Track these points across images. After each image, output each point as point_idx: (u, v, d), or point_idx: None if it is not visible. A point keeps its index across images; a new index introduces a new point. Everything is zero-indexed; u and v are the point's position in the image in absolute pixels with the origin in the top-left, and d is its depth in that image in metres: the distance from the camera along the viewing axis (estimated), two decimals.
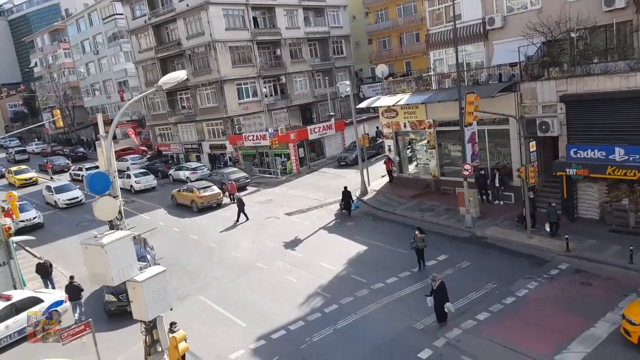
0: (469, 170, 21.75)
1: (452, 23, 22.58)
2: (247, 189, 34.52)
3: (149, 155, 50.39)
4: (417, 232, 17.61)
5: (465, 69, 26.03)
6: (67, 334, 10.99)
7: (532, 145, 19.74)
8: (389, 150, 30.54)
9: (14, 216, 21.12)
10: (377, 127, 31.51)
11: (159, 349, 9.32)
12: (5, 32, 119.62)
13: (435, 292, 13.99)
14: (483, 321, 14.27)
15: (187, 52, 42.31)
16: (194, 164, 41.27)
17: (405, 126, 28.88)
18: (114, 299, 16.94)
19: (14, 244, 20.05)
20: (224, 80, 40.18)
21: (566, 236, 18.13)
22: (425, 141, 28.23)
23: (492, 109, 21.21)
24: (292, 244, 22.46)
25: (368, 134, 32.60)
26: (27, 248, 24.93)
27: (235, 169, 37.38)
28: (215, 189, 31.07)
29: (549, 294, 15.45)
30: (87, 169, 42.04)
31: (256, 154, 40.32)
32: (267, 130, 38.39)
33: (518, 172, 20.19)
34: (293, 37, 45.48)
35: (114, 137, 9.78)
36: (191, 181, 36.14)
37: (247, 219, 26.73)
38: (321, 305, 16.33)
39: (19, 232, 23.62)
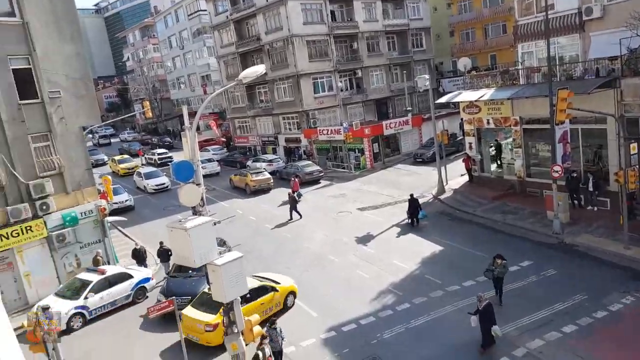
0: (559, 172, 20.22)
1: (544, 13, 21.06)
2: (320, 183, 34.83)
3: (229, 147, 52.57)
4: (497, 259, 15.14)
5: (557, 62, 24.30)
6: (153, 308, 11.79)
7: (633, 148, 17.98)
8: (470, 147, 29.29)
9: (108, 198, 22.95)
10: (462, 120, 29.69)
11: (235, 330, 9.65)
12: (101, 29, 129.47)
13: (480, 314, 12.92)
14: (569, 334, 13.34)
15: (266, 46, 43.34)
16: (270, 156, 42.33)
17: (488, 123, 27.56)
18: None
19: (108, 224, 21.76)
20: (301, 74, 40.73)
21: None
22: (511, 139, 26.76)
23: (587, 106, 19.63)
24: (364, 239, 22.35)
25: (447, 130, 31.50)
26: (120, 228, 26.83)
27: (309, 162, 37.84)
28: (266, 174, 34.96)
29: None
30: (158, 154, 49.37)
31: (330, 148, 40.54)
32: (341, 124, 38.46)
33: (616, 176, 18.42)
34: (371, 30, 45.05)
35: (197, 129, 10.26)
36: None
37: (299, 217, 26.49)
38: (393, 303, 16.11)
39: (112, 213, 25.47)
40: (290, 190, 28.18)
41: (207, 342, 14.13)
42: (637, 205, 19.99)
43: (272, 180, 34.53)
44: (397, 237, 22.45)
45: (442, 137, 29.84)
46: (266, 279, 16.91)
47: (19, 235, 18.31)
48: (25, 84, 18.57)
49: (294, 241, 23.22)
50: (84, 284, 17.54)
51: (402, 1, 47.51)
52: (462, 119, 30.06)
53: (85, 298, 17.08)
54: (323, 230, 24.41)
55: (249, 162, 42.35)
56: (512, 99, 24.68)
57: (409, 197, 23.79)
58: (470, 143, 29.16)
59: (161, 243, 20.77)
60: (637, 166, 18.00)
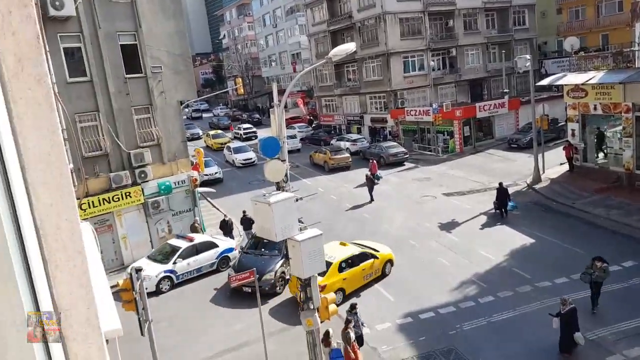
0: None
1: None
2: (404, 165, 34.21)
3: (314, 125, 53.26)
4: (596, 262, 13.54)
5: None
6: (235, 277, 12.40)
7: None
8: (572, 135, 27.06)
9: (200, 170, 24.31)
10: (567, 104, 27.23)
11: (311, 307, 9.85)
12: (201, 7, 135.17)
13: (562, 318, 11.98)
14: None
15: (357, 24, 42.85)
16: (354, 136, 42.25)
17: (595, 109, 25.19)
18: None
19: (198, 194, 23.01)
20: (391, 52, 39.87)
21: None
22: (620, 127, 24.33)
23: None
24: (448, 226, 21.68)
25: (547, 115, 29.25)
26: (208, 199, 28.34)
27: (394, 143, 37.20)
28: (345, 153, 35.81)
29: None
30: (244, 129, 52.76)
31: (417, 130, 39.53)
32: (431, 105, 37.26)
33: None
34: (468, 7, 42.81)
35: (285, 106, 10.46)
36: (351, 152, 37.94)
37: (372, 200, 26.11)
38: (475, 295, 15.53)
39: (202, 184, 26.64)
40: (368, 172, 28.00)
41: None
42: None
43: (350, 159, 35.02)
44: (484, 226, 21.49)
45: (542, 123, 27.81)
46: (366, 246, 17.73)
47: (119, 200, 19.82)
48: (131, 59, 19.93)
49: (374, 223, 23.11)
50: (174, 249, 18.67)
51: None
52: (565, 104, 27.85)
53: (174, 263, 18.14)
54: (404, 213, 24.02)
55: (333, 141, 42.58)
56: (625, 84, 22.33)
57: (498, 186, 22.28)
58: (573, 130, 26.98)
59: (244, 212, 21.85)
60: None
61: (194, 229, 21.10)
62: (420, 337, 13.54)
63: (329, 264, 14.29)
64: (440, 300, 15.36)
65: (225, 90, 75.17)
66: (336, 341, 12.07)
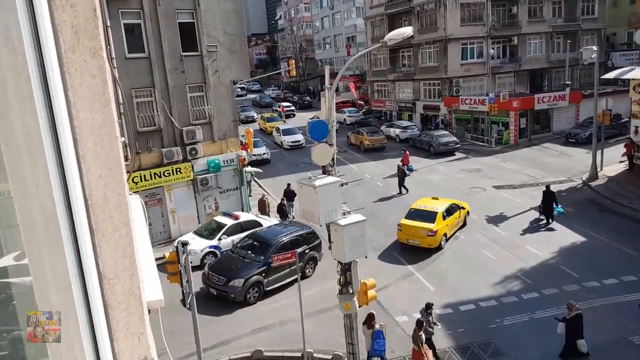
0: None
1: None
2: (455, 155, 33.42)
3: (364, 110, 52.73)
4: None
5: None
6: (278, 257, 12.60)
7: None
8: (635, 132, 25.54)
9: (248, 150, 24.67)
10: (632, 100, 25.64)
11: (350, 291, 9.90)
12: None
13: (568, 324, 11.54)
14: None
15: (416, 8, 41.78)
16: (405, 123, 41.59)
17: None
18: None
19: (246, 173, 23.41)
20: (449, 38, 38.70)
21: None
22: None
23: None
24: (496, 220, 21.11)
25: (610, 110, 27.68)
26: (256, 179, 28.61)
27: (446, 132, 36.33)
28: (381, 135, 37.35)
29: None
30: (285, 107, 55.46)
31: (471, 119, 38.39)
32: (487, 94, 36.01)
33: None
34: None
35: (336, 90, 10.39)
36: (400, 140, 37.91)
37: (405, 191, 25.46)
38: (518, 290, 15.18)
39: (250, 164, 26.85)
40: (399, 162, 27.30)
41: (428, 244, 18.03)
42: None
43: (385, 140, 36.78)
44: (533, 221, 20.77)
45: (603, 118, 26.37)
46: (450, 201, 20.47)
47: (169, 175, 20.36)
48: (188, 37, 20.32)
49: None
50: (220, 226, 19.16)
51: None
52: (630, 99, 26.26)
53: (219, 239, 18.61)
54: None
55: (382, 127, 42.08)
56: None
57: (544, 189, 20.40)
58: (636, 127, 25.42)
59: (288, 184, 22.82)
60: None
61: (262, 203, 21.77)
62: (458, 328, 13.45)
63: (434, 214, 18.44)
64: (482, 293, 15.12)
65: (278, 71, 75.66)
66: (379, 323, 12.25)
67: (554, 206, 19.97)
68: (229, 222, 19.25)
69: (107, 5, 16.76)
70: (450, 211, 19.20)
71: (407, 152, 29.44)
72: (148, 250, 3.86)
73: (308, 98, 66.48)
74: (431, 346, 12.04)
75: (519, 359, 12.04)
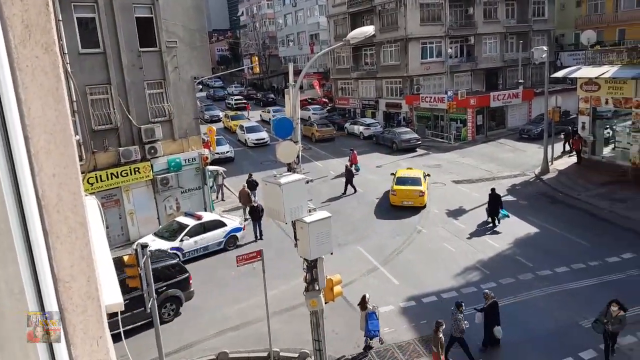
0: None
1: None
2: (416, 151, 34.05)
3: (328, 107, 52.92)
4: (612, 307, 11.11)
5: None
6: (242, 257, 12.41)
7: None
8: (583, 128, 26.86)
9: (211, 148, 24.29)
10: (579, 97, 27.10)
11: (317, 288, 9.95)
12: None
13: (486, 312, 12.09)
14: None
15: (378, 7, 42.25)
16: (368, 120, 42.02)
17: (607, 103, 25.01)
18: None
19: (209, 172, 23.05)
20: (410, 38, 39.35)
21: None
22: (630, 122, 24.13)
23: None
24: (456, 213, 21.69)
25: (560, 107, 29.01)
26: (227, 185, 27.05)
27: (408, 129, 36.98)
28: (330, 126, 40.29)
29: None
30: (235, 100, 59.10)
31: (431, 117, 39.20)
32: (446, 92, 36.83)
33: None
34: None
35: (300, 87, 10.36)
36: (364, 137, 38.72)
37: (353, 190, 25.39)
38: (478, 281, 15.67)
39: (213, 162, 26.62)
40: (347, 163, 27.40)
41: (419, 203, 22.27)
42: None
43: (335, 131, 39.69)
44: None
45: (553, 114, 27.61)
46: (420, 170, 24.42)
47: (127, 175, 19.64)
48: (146, 32, 19.78)
49: (384, 207, 23.14)
50: (181, 227, 18.58)
51: None
52: (578, 97, 27.64)
53: (181, 240, 18.05)
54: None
55: (347, 125, 42.44)
56: (637, 79, 22.20)
57: (490, 192, 20.45)
58: (583, 123, 26.79)
59: (250, 174, 23.60)
60: None
61: (244, 193, 21.89)
62: (421, 320, 13.74)
63: (419, 179, 23.02)
64: (443, 285, 15.51)
65: (240, 68, 74.83)
66: (372, 304, 12.47)
67: (500, 209, 20.05)
68: (191, 222, 18.74)
69: None
70: (424, 177, 23.48)
71: (355, 152, 29.33)
72: (106, 252, 3.75)
73: (272, 95, 66.12)
74: (463, 345, 12.00)
75: (477, 347, 12.38)
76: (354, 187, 25.60)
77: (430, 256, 17.70)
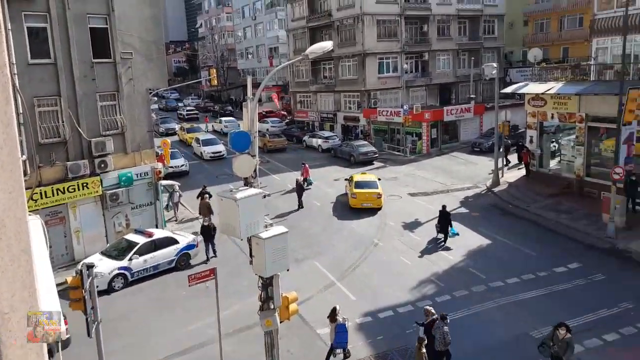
0: (620, 174, 19.18)
1: (624, 9, 19.78)
2: (373, 164, 34.59)
3: (287, 120, 53.06)
4: (559, 330, 10.88)
5: (632, 61, 22.89)
6: (194, 276, 12.04)
7: None
8: (530, 141, 28.16)
9: (165, 162, 23.71)
10: (527, 112, 28.54)
11: (272, 306, 9.84)
12: None
13: (425, 328, 12.08)
14: (610, 342, 12.88)
15: (336, 23, 43.00)
16: (326, 133, 42.39)
17: (552, 117, 26.33)
18: None
19: (162, 187, 22.34)
20: (367, 53, 40.19)
21: None
22: (574, 136, 25.51)
23: None
24: (412, 226, 22.14)
25: (509, 122, 30.36)
26: (183, 202, 26.20)
27: (365, 142, 37.57)
28: (282, 137, 41.71)
29: None
30: (187, 111, 61.18)
31: (388, 130, 40.03)
32: (402, 107, 37.77)
33: None
34: (443, 14, 43.70)
35: (259, 100, 10.35)
36: (322, 150, 39.08)
37: (301, 207, 25.08)
38: (433, 294, 15.98)
39: (167, 177, 25.94)
40: (299, 177, 27.27)
41: (377, 205, 24.19)
42: None
43: (286, 142, 41.13)
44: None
45: (503, 128, 28.84)
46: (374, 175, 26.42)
47: (74, 190, 18.56)
48: (100, 43, 19.20)
49: (340, 221, 23.35)
50: (130, 245, 17.75)
51: None
52: (526, 111, 28.98)
53: (130, 259, 17.16)
54: (371, 212, 24.33)
55: (305, 138, 42.66)
56: (580, 95, 23.58)
57: (440, 209, 20.38)
58: (531, 137, 28.11)
59: (204, 186, 23.63)
60: None
61: (204, 205, 21.45)
62: (378, 336, 13.82)
63: (375, 182, 25.07)
64: (399, 299, 15.70)
65: (198, 80, 73.97)
66: (342, 316, 12.41)
67: (450, 226, 20.11)
68: (141, 240, 17.89)
69: (8, 5, 15.54)
70: (379, 180, 25.50)
71: (307, 166, 29.14)
72: (48, 276, 3.65)
73: (230, 107, 65.64)
74: (449, 356, 11.97)
75: None
76: (300, 202, 25.26)
77: (387, 270, 17.93)
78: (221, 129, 48.90)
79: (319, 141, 40.35)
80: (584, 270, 16.94)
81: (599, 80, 23.60)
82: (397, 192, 27.44)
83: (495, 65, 28.95)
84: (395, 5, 40.74)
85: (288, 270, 10.10)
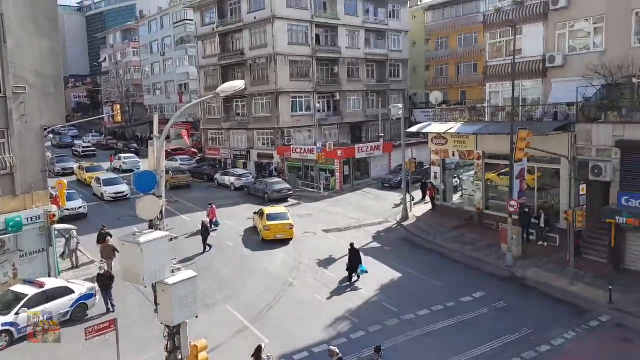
0: (515, 207, 20.99)
1: (512, 57, 22.18)
2: (288, 201, 34.62)
3: (198, 158, 51.90)
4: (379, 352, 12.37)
5: (520, 104, 25.53)
6: (92, 329, 11.05)
7: (583, 189, 18.94)
8: (435, 177, 30.00)
9: (60, 204, 21.78)
10: (431, 150, 30.66)
11: (179, 357, 9.25)
12: (81, 27, 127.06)
13: None
14: None
15: (249, 62, 43.40)
16: (240, 171, 41.98)
17: (453, 155, 28.35)
18: None
19: (56, 232, 20.48)
20: (280, 92, 40.83)
21: (610, 287, 17.11)
22: (473, 172, 27.53)
23: (544, 147, 20.52)
24: (326, 263, 22.21)
25: (415, 159, 32.23)
26: (82, 249, 23.74)
27: (279, 179, 37.66)
28: (186, 173, 41.94)
29: (587, 347, 14.65)
30: (83, 147, 60.34)
31: (302, 167, 40.52)
32: (315, 144, 38.58)
33: (565, 214, 19.44)
34: (352, 57, 45.88)
35: (167, 137, 9.94)
36: (235, 188, 38.60)
37: (208, 249, 24.04)
38: (348, 331, 15.96)
39: (62, 220, 23.79)
40: (205, 218, 26.23)
41: (290, 235, 25.19)
42: (583, 244, 20.89)
43: (190, 178, 41.32)
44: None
45: (410, 165, 30.44)
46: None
47: None
48: None
49: (254, 261, 22.86)
50: (18, 297, 15.93)
51: (384, 33, 48.71)
52: (430, 149, 30.94)
53: (17, 314, 15.39)
54: (285, 250, 24.14)
55: (217, 176, 41.87)
56: (477, 135, 25.63)
57: (350, 248, 20.22)
58: (435, 173, 29.94)
59: (103, 226, 23.06)
60: (585, 206, 18.92)
61: (107, 248, 20.19)
62: None
63: (286, 214, 26.07)
64: (314, 339, 15.45)
65: (100, 116, 70.39)
66: (266, 354, 11.90)
67: (359, 265, 19.93)
68: (30, 291, 16.03)
69: None
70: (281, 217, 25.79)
71: (214, 207, 28.17)
72: None
73: (135, 145, 62.86)
74: None
75: None
76: (205, 245, 24.03)
77: (302, 309, 17.69)
78: (120, 166, 47.89)
79: (232, 179, 39.80)
80: (487, 299, 17.90)
81: (493, 121, 25.93)
82: (312, 229, 27.57)
83: (401, 106, 30.90)
84: (307, 47, 42.13)
85: (197, 316, 9.60)
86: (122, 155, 50.83)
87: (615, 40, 21.45)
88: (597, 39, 22.51)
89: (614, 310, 16.51)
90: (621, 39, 21.23)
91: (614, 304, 16.77)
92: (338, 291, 19.15)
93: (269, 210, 26.30)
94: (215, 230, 26.84)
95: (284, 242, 25.28)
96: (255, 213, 27.42)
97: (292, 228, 25.17)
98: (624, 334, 15.21)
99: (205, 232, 24.24)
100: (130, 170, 45.21)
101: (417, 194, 33.30)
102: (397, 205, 31.91)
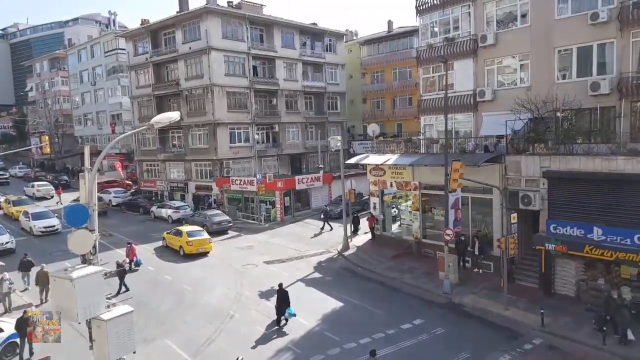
0: (451, 236, 21.87)
1: (444, 92, 23.40)
2: (228, 233, 34.17)
3: (132, 190, 50.17)
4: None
5: (453, 136, 26.77)
6: None
7: (514, 217, 19.94)
8: (374, 207, 30.73)
9: None
10: (369, 181, 31.52)
11: None
12: (5, 55, 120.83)
13: None
14: None
15: (185, 92, 43.00)
16: (177, 203, 41.01)
17: (391, 185, 29.21)
18: None
19: (5, 281, 19.28)
20: (218, 123, 40.66)
21: (542, 311, 18.02)
22: (410, 202, 28.48)
23: (477, 177, 21.47)
24: (268, 294, 21.97)
25: (355, 190, 32.94)
26: (15, 289, 21.59)
27: (219, 211, 37.15)
28: (102, 200, 42.09)
29: None
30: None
31: (242, 199, 40.22)
32: (255, 176, 38.54)
33: (498, 242, 20.35)
34: (290, 89, 46.68)
35: (99, 169, 9.68)
36: (173, 220, 37.49)
37: (125, 290, 22.34)
38: None
39: None
40: (125, 259, 24.92)
41: (209, 248, 28.86)
42: (516, 270, 21.98)
43: (106, 205, 42.86)
44: (300, 292, 22.17)
45: (350, 196, 31.07)
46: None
47: None
48: None
49: (194, 294, 22.24)
50: None
51: (321, 66, 50.06)
52: (368, 180, 31.73)
53: None
54: (226, 283, 23.70)
55: (154, 208, 40.66)
56: (413, 166, 26.56)
57: (277, 288, 19.42)
58: (374, 203, 30.64)
59: (25, 254, 22.88)
60: (516, 234, 19.94)
61: (44, 275, 19.57)
62: None
63: (202, 230, 30.20)
64: None
65: (27, 148, 66.61)
66: None
67: (287, 307, 18.94)
68: None
69: None
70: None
71: (133, 246, 26.72)
72: None
73: (65, 177, 59.87)
74: None
75: None
76: (121, 286, 22.34)
77: (243, 342, 17.36)
78: (33, 194, 48.55)
79: (169, 211, 38.78)
80: (426, 326, 18.35)
81: (428, 153, 27.03)
82: (253, 261, 27.29)
83: (339, 138, 31.65)
84: (244, 79, 42.47)
85: (135, 352, 9.28)
86: (36, 183, 51.45)
87: (540, 76, 23.10)
88: (523, 74, 24.18)
89: (545, 333, 17.33)
90: (545, 75, 22.90)
91: (546, 327, 17.60)
92: (280, 322, 18.95)
93: (186, 228, 29.72)
94: (137, 270, 25.59)
95: (227, 274, 24.83)
96: (168, 233, 30.41)
97: (210, 242, 28.94)
98: (556, 356, 15.98)
99: (122, 273, 22.28)
100: (44, 198, 48.21)
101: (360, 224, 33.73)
102: (316, 235, 33.02)
